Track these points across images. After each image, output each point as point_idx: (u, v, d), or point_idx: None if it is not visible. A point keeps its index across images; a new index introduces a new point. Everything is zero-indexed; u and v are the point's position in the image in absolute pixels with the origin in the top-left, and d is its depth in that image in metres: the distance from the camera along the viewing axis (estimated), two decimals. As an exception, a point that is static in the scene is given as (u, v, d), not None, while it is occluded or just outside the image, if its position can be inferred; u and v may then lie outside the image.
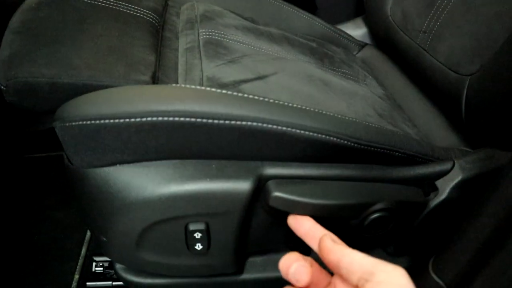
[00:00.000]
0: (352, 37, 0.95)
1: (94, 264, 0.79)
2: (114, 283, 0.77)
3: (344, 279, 0.34)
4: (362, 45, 0.95)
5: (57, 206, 0.92)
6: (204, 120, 0.42)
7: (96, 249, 0.84)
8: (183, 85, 0.47)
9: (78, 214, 0.88)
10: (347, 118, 0.50)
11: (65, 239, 0.86)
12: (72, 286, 0.78)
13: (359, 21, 0.99)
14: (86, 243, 0.85)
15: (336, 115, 0.49)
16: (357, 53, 0.95)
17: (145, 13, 0.66)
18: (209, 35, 0.67)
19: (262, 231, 0.53)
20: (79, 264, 0.81)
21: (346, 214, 0.50)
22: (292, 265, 0.37)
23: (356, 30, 0.98)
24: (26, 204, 0.93)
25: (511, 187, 0.37)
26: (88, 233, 0.87)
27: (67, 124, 0.44)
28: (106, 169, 0.46)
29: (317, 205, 0.47)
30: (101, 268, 0.78)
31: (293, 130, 0.45)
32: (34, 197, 0.95)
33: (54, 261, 0.82)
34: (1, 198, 0.93)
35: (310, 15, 0.92)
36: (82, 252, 0.83)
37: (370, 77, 0.81)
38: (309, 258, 0.40)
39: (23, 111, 0.53)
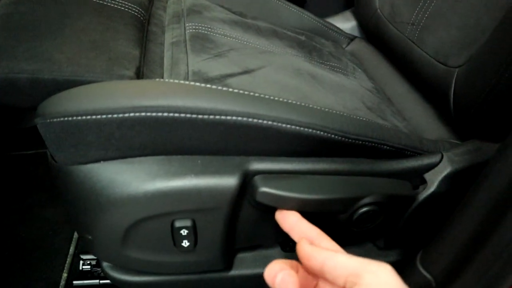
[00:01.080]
0: (341, 30, 0.95)
1: (81, 262, 0.78)
2: (101, 281, 0.76)
3: (330, 283, 0.34)
4: (351, 38, 0.94)
5: (45, 204, 0.91)
6: (188, 115, 0.41)
7: (84, 247, 0.83)
8: (167, 80, 0.46)
9: (65, 211, 0.87)
10: (334, 111, 0.49)
11: (53, 237, 0.85)
12: (61, 284, 0.77)
13: (348, 14, 0.99)
14: (74, 241, 0.84)
15: (323, 108, 0.49)
16: (346, 46, 0.94)
17: (130, 7, 0.65)
18: (195, 29, 0.66)
19: (250, 226, 0.52)
20: (67, 262, 0.80)
21: (335, 209, 0.50)
22: (277, 275, 0.35)
23: (346, 23, 0.97)
24: (13, 202, 0.92)
25: (496, 180, 0.37)
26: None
27: (48, 121, 0.43)
28: (89, 166, 0.45)
29: (305, 200, 0.47)
30: (89, 266, 0.78)
31: (279, 124, 0.44)
32: (21, 195, 0.93)
33: (42, 260, 0.81)
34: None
35: (299, 8, 0.91)
36: (70, 250, 0.82)
37: (359, 70, 0.81)
38: (294, 262, 0.38)
39: (6, 108, 0.52)
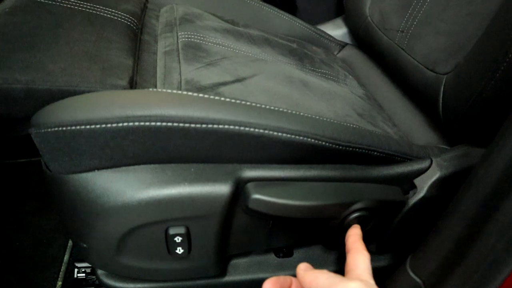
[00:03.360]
0: (332, 37, 0.96)
1: (76, 270, 0.78)
2: (96, 289, 0.77)
3: None
4: (342, 45, 0.96)
5: (39, 212, 0.91)
6: (181, 125, 0.42)
7: (79, 255, 0.83)
8: (160, 90, 0.47)
9: (60, 219, 0.87)
10: (325, 119, 0.50)
11: (47, 245, 0.85)
12: (56, 292, 0.78)
13: (339, 21, 1.00)
14: (69, 249, 0.84)
15: (314, 116, 0.50)
16: (337, 53, 0.95)
17: (123, 17, 0.65)
18: (188, 38, 0.67)
19: (243, 233, 0.53)
20: (62, 270, 0.80)
21: (327, 215, 0.51)
22: None
23: (336, 30, 0.99)
24: (7, 210, 0.92)
25: (481, 185, 0.38)
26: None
27: (42, 131, 0.43)
28: (84, 175, 0.46)
29: (297, 206, 0.48)
30: (83, 274, 0.78)
31: (271, 132, 0.45)
32: (14, 203, 0.93)
33: (37, 268, 0.81)
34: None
35: (290, 16, 0.92)
36: (65, 258, 0.82)
37: (351, 77, 0.82)
38: (288, 278, 0.45)
39: (0, 118, 0.52)
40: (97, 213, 0.46)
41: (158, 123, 0.42)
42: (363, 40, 0.90)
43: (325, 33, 0.95)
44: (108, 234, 0.47)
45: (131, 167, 0.46)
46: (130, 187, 0.45)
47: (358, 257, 0.43)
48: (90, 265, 0.80)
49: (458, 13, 0.64)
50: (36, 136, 0.44)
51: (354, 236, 0.47)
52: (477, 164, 0.40)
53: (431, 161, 0.56)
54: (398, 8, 0.77)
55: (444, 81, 0.63)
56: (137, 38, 0.65)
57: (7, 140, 1.02)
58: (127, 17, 0.66)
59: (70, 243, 0.86)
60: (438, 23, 0.67)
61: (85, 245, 0.50)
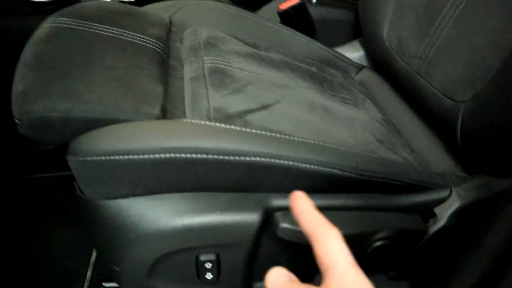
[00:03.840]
0: (350, 60, 0.98)
1: (102, 289, 0.80)
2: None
3: None
4: (360, 68, 0.97)
5: (61, 227, 0.93)
6: (215, 156, 0.44)
7: (104, 272, 0.85)
8: (193, 121, 0.49)
9: (83, 235, 0.89)
10: (350, 150, 0.52)
11: (70, 260, 0.87)
12: (78, 309, 0.79)
13: (356, 44, 1.02)
14: (91, 265, 0.86)
15: (339, 147, 0.51)
16: (355, 75, 0.97)
17: (151, 42, 0.68)
18: (213, 63, 0.69)
19: (270, 259, 0.54)
20: (85, 287, 0.82)
21: (350, 244, 0.52)
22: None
23: (354, 53, 1.00)
24: (29, 225, 0.94)
25: (506, 224, 0.39)
26: (94, 255, 0.88)
27: (81, 159, 0.46)
28: (119, 201, 0.48)
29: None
30: (111, 294, 0.80)
31: (299, 164, 0.47)
32: (36, 218, 0.95)
33: (60, 283, 0.83)
34: (3, 220, 0.94)
35: (308, 38, 0.94)
36: (87, 275, 0.84)
37: (368, 100, 0.83)
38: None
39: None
40: (131, 239, 0.48)
41: (193, 155, 0.44)
42: (380, 63, 0.92)
43: (342, 55, 0.97)
44: (141, 259, 0.49)
45: (165, 195, 0.48)
46: (164, 215, 0.47)
47: (329, 243, 0.29)
48: (118, 286, 0.81)
49: (476, 43, 0.65)
50: (74, 163, 0.47)
51: (308, 216, 0.31)
52: (502, 200, 0.42)
53: (451, 190, 0.58)
54: (416, 34, 0.79)
55: (462, 110, 0.64)
56: (164, 63, 0.67)
57: (30, 154, 1.04)
58: (155, 42, 0.68)
59: (92, 259, 0.88)
60: (457, 52, 0.69)
61: (117, 268, 0.52)
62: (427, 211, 0.58)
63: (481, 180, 0.59)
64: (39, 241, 0.90)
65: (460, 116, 0.65)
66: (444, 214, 0.56)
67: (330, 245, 0.29)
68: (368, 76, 0.95)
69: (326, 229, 0.30)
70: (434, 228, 0.56)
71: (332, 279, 0.26)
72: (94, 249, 0.89)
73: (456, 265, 0.47)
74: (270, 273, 0.28)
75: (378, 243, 0.53)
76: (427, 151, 0.73)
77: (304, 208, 0.32)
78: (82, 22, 0.64)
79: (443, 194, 0.57)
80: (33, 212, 0.97)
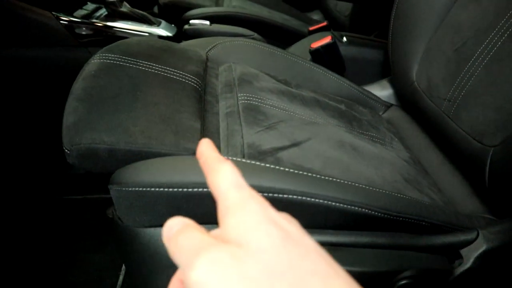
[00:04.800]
0: (378, 98, 1.00)
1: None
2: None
3: None
4: (388, 106, 1.00)
5: (92, 249, 0.97)
6: (250, 192, 0.47)
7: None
8: (229, 157, 0.52)
9: (112, 259, 0.92)
10: (377, 190, 0.54)
11: (98, 282, 0.90)
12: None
13: (385, 82, 1.04)
14: (119, 288, 0.89)
15: (367, 187, 0.53)
16: (382, 113, 0.99)
17: (190, 79, 0.72)
18: (247, 100, 0.73)
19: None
20: (112, 309, 0.85)
21: (377, 281, 0.53)
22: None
23: (382, 91, 1.03)
24: (62, 245, 0.98)
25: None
26: (121, 278, 0.91)
27: (123, 189, 0.49)
28: (155, 230, 0.51)
29: (348, 272, 0.51)
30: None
31: (329, 202, 0.49)
32: (69, 239, 0.99)
33: (89, 305, 0.86)
34: (37, 239, 0.98)
35: (338, 76, 0.97)
36: (115, 297, 0.87)
37: (396, 139, 0.85)
38: None
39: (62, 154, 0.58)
40: (163, 266, 0.51)
41: (229, 190, 0.46)
42: (409, 103, 0.94)
43: (371, 93, 0.99)
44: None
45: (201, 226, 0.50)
46: (198, 245, 0.49)
47: (218, 176, 0.26)
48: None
49: (506, 89, 0.67)
50: (116, 192, 0.50)
51: (205, 155, 0.28)
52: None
53: (478, 232, 0.58)
54: (445, 76, 0.81)
55: (491, 153, 0.65)
56: (201, 99, 0.71)
57: (64, 176, 1.09)
58: (193, 78, 0.73)
59: (119, 282, 0.91)
60: (486, 97, 0.70)
61: (150, 294, 0.54)
62: (453, 253, 0.58)
63: (509, 224, 0.59)
64: (71, 262, 0.94)
65: (489, 159, 0.65)
66: (470, 256, 0.57)
67: (218, 177, 0.26)
68: (396, 115, 0.97)
69: (218, 164, 0.27)
70: (459, 269, 0.57)
71: (221, 212, 0.24)
72: (121, 273, 0.92)
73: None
74: (164, 227, 0.26)
75: (403, 282, 0.54)
76: (454, 191, 0.73)
77: (203, 149, 0.29)
78: (127, 58, 0.69)
79: (470, 236, 0.58)
80: (66, 233, 1.01)
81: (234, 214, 0.23)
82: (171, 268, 0.51)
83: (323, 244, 0.52)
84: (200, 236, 0.23)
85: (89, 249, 0.97)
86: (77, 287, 0.90)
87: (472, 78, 0.75)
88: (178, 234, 0.24)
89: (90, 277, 0.92)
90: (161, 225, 0.51)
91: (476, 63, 0.74)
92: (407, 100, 0.94)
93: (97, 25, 1.04)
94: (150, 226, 0.51)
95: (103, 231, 1.01)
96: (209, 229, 0.24)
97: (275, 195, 0.47)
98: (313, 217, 0.51)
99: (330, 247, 0.53)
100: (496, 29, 0.71)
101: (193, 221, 0.26)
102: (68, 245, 0.98)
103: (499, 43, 0.70)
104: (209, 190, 0.47)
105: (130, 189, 0.49)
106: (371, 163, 0.69)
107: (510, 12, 0.68)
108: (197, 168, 0.49)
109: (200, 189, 0.47)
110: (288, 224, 0.24)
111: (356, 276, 0.52)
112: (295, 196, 0.47)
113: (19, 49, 0.95)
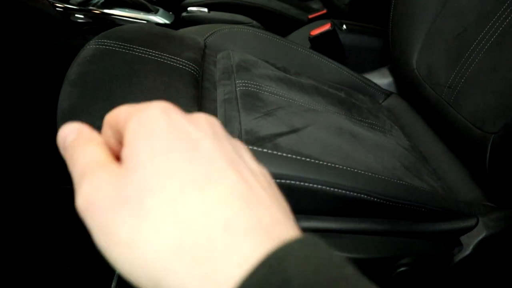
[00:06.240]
0: (378, 86, 0.99)
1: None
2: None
3: None
4: (388, 94, 0.99)
5: (89, 239, 0.96)
6: (247, 177, 0.46)
7: (128, 284, 0.87)
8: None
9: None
10: (377, 176, 0.53)
11: (95, 273, 0.90)
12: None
13: (385, 70, 1.03)
14: (116, 278, 0.89)
15: (367, 173, 0.53)
16: (382, 101, 0.98)
17: (187, 65, 0.71)
18: (245, 86, 0.72)
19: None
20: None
21: (376, 268, 0.53)
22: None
23: (382, 79, 1.02)
24: (59, 234, 0.97)
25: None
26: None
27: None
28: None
29: (348, 259, 0.50)
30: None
31: (327, 188, 0.48)
32: (66, 228, 0.99)
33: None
34: (34, 228, 0.98)
35: (338, 64, 0.96)
36: (112, 286, 0.87)
37: (396, 127, 0.84)
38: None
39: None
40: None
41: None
42: (409, 90, 0.93)
43: (371, 81, 0.98)
44: None
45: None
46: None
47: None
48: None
49: (507, 75, 0.66)
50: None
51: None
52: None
53: (478, 219, 0.58)
54: (446, 64, 0.80)
55: (491, 140, 0.65)
56: (199, 85, 0.70)
57: (62, 166, 1.09)
58: (190, 65, 0.72)
59: (117, 272, 0.90)
60: (487, 83, 0.70)
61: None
62: (453, 240, 0.58)
63: (509, 212, 0.59)
64: (66, 252, 0.93)
65: (489, 146, 0.65)
66: (470, 243, 0.57)
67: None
68: (396, 103, 0.96)
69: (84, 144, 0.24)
70: (459, 256, 0.57)
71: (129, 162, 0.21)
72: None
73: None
74: (58, 135, 0.24)
75: (403, 268, 0.53)
76: (454, 179, 0.73)
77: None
78: (124, 44, 0.68)
79: (469, 223, 0.57)
80: (62, 222, 1.00)
81: (128, 127, 0.22)
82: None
83: (322, 231, 0.52)
84: (92, 152, 0.22)
85: (88, 239, 0.97)
86: (73, 278, 0.89)
87: (473, 65, 0.74)
88: (73, 145, 0.23)
89: (88, 267, 0.91)
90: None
91: (477, 50, 0.73)
92: (407, 88, 0.93)
93: (94, 12, 1.03)
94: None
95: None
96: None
97: (273, 180, 0.46)
98: (312, 203, 0.50)
99: (330, 234, 0.52)
100: (497, 15, 0.70)
101: (87, 126, 0.25)
102: (65, 234, 0.98)
103: (500, 29, 0.69)
104: None
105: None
106: (371, 151, 0.68)
107: (512, -3, 0.67)
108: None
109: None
110: (195, 128, 0.23)
111: (355, 263, 0.51)
112: (293, 182, 0.47)
113: (13, 36, 0.94)
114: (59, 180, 1.09)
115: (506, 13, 0.68)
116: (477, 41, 0.73)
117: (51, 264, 0.91)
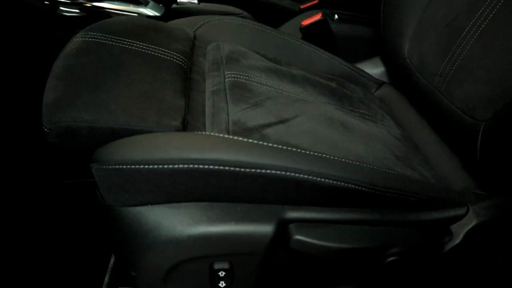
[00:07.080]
0: (370, 76, 0.98)
1: (119, 294, 0.82)
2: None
3: None
4: (380, 84, 0.98)
5: (82, 233, 0.96)
6: (232, 168, 0.46)
7: (121, 277, 0.87)
8: (212, 133, 0.51)
9: (102, 241, 0.92)
10: (365, 165, 0.53)
11: (88, 266, 0.89)
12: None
13: (377, 60, 1.02)
14: (109, 271, 0.88)
15: (354, 162, 0.52)
16: (375, 91, 0.98)
17: (175, 56, 0.70)
18: (234, 77, 0.71)
19: (283, 271, 0.55)
20: (103, 291, 0.85)
21: (365, 258, 0.53)
22: None
23: (374, 69, 1.01)
24: (51, 229, 0.97)
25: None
26: (112, 260, 0.90)
27: (103, 167, 0.48)
28: (138, 208, 0.50)
29: (335, 249, 0.50)
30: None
31: (314, 178, 0.48)
32: (59, 223, 0.98)
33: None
34: (26, 222, 0.97)
35: (330, 54, 0.95)
36: (105, 280, 0.86)
37: (388, 117, 0.84)
38: None
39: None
40: (148, 245, 0.50)
41: (211, 167, 0.45)
42: (401, 80, 0.92)
43: (363, 71, 0.97)
44: (157, 265, 0.51)
45: (182, 204, 0.49)
46: (180, 223, 0.48)
47: None
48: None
49: (498, 62, 0.65)
50: (97, 171, 0.49)
51: None
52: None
53: (468, 208, 0.58)
54: (437, 52, 0.79)
55: (482, 128, 0.64)
56: (187, 77, 0.69)
57: (57, 161, 1.08)
58: (178, 56, 0.71)
59: (111, 264, 0.90)
60: (478, 70, 0.69)
61: (133, 274, 0.53)
62: (443, 228, 0.58)
63: (500, 200, 0.58)
64: (59, 245, 0.93)
65: (480, 134, 0.64)
66: (460, 231, 0.56)
67: None
68: (388, 92, 0.95)
69: None
70: (449, 245, 0.56)
71: None
72: (112, 255, 0.91)
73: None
74: None
75: (393, 258, 0.53)
76: (445, 168, 0.72)
77: None
78: (111, 36, 0.67)
79: (460, 211, 0.57)
80: (56, 216, 1.00)
81: None
82: (153, 248, 0.50)
83: (309, 221, 0.51)
84: None
85: (80, 232, 0.96)
86: (67, 270, 0.89)
87: (464, 52, 0.73)
88: None
89: (81, 260, 0.91)
90: (143, 203, 0.50)
91: (468, 37, 0.72)
92: (399, 77, 0.92)
93: (83, 5, 1.02)
94: (133, 205, 0.50)
95: (94, 215, 1.00)
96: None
97: (258, 170, 0.46)
98: (299, 194, 0.50)
99: (318, 224, 0.52)
100: (488, 1, 0.69)
101: None
102: (58, 229, 0.97)
103: (491, 15, 0.68)
104: (190, 166, 0.46)
105: (110, 167, 0.47)
106: (361, 140, 0.68)
107: (502, -17, 0.66)
108: (178, 145, 0.48)
109: (181, 166, 0.45)
110: None
111: (345, 252, 0.51)
112: (278, 172, 0.46)
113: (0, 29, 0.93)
114: (59, 175, 1.08)
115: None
116: (467, 28, 0.72)
117: (48, 258, 0.91)
